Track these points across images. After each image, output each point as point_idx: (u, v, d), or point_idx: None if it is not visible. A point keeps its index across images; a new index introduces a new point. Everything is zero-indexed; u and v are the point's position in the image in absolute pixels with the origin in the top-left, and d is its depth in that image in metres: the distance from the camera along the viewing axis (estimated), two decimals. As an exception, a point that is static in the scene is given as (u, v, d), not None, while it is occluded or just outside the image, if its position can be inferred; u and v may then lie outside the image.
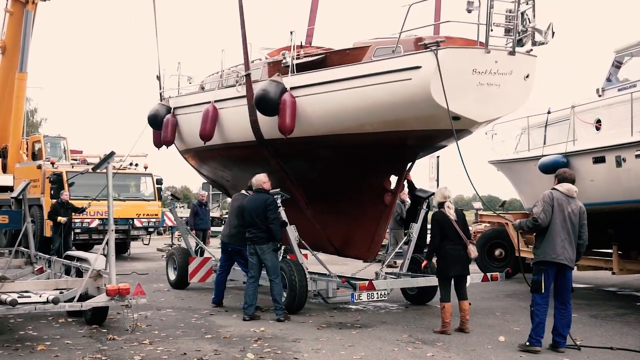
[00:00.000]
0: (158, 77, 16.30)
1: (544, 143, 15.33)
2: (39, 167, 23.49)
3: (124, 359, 8.40)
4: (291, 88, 12.00)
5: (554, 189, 9.44)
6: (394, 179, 12.96)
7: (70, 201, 19.53)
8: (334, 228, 12.55)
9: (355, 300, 11.48)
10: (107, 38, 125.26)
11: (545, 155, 14.69)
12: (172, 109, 15.42)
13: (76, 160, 25.44)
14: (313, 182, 13.04)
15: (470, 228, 11.64)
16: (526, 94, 11.43)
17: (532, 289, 9.40)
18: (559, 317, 9.35)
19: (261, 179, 11.75)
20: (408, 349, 9.18)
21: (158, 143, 15.92)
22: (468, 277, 10.84)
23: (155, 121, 15.54)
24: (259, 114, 12.49)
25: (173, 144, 15.75)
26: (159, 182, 24.81)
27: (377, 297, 11.73)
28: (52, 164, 23.06)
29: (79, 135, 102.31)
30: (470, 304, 10.61)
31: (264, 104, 12.10)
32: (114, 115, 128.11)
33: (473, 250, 10.42)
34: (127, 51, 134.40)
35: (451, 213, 10.44)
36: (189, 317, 11.69)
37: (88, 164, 22.50)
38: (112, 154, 10.28)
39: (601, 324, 11.39)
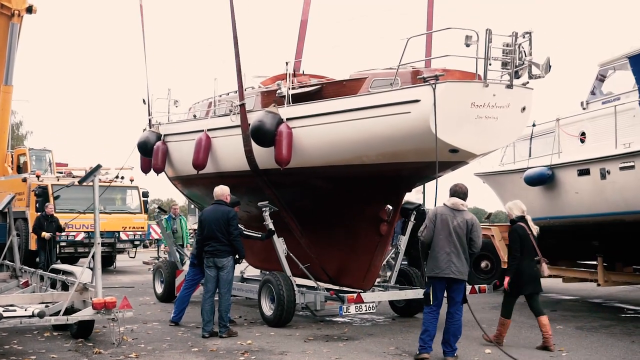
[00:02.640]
0: (144, 101, 16.27)
1: (529, 155, 15.44)
2: (24, 180, 23.39)
3: (110, 373, 8.36)
4: (287, 119, 11.91)
5: (444, 204, 9.65)
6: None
7: (55, 214, 19.30)
8: (329, 257, 12.39)
9: (343, 313, 11.46)
10: (93, 51, 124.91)
11: (530, 168, 14.80)
12: (163, 136, 15.39)
13: (62, 173, 25.34)
14: (308, 212, 12.92)
15: None
16: (522, 126, 11.56)
17: (422, 302, 9.68)
18: (447, 327, 9.54)
19: (226, 191, 11.55)
20: (395, 362, 9.19)
21: (146, 169, 15.90)
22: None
23: (145, 148, 15.50)
24: (253, 143, 12.42)
25: (163, 172, 15.72)
26: (145, 194, 24.76)
27: (366, 310, 11.73)
28: (38, 176, 22.96)
29: (65, 148, 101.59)
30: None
31: (260, 135, 12.00)
32: (99, 128, 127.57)
33: (546, 268, 10.38)
34: (114, 65, 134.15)
35: (533, 227, 10.33)
36: (175, 330, 11.65)
37: (74, 177, 22.42)
38: (98, 167, 10.26)
39: (587, 335, 11.44)
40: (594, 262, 14.93)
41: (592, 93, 14.29)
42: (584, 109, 14.24)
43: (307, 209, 12.87)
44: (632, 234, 12.97)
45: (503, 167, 16.80)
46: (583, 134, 13.76)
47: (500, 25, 10.12)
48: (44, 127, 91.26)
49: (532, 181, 14.56)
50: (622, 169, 12.29)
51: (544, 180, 14.26)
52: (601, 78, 14.31)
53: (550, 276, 16.99)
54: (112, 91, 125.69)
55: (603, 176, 12.71)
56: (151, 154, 15.29)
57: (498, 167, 17.07)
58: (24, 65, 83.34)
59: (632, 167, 12.11)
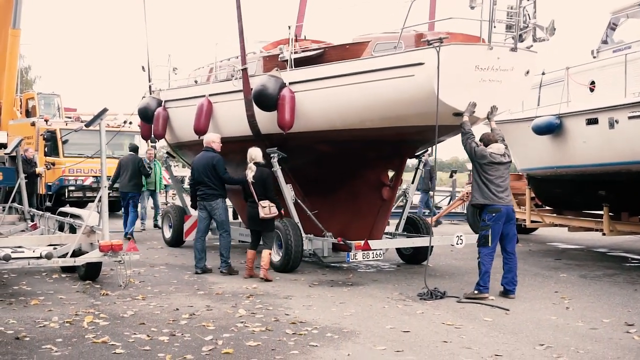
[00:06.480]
0: (144, 69, 16.15)
1: (538, 104, 15.33)
2: (33, 124, 23.42)
3: (117, 314, 8.48)
4: (290, 83, 11.85)
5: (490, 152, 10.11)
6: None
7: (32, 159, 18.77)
8: (331, 222, 12.42)
9: (350, 260, 11.55)
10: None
11: (538, 117, 14.71)
12: (164, 102, 15.33)
13: (70, 117, 25.31)
14: (310, 176, 12.86)
15: (462, 189, 11.48)
16: (526, 90, 11.50)
17: (479, 244, 10.32)
18: (510, 266, 10.38)
19: (211, 138, 12.32)
20: (398, 307, 9.29)
21: (147, 135, 16.05)
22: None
23: (145, 114, 15.47)
24: (255, 108, 12.38)
25: (163, 138, 15.74)
26: (153, 140, 24.67)
27: (373, 257, 11.78)
28: (46, 121, 22.97)
29: (73, 93, 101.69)
30: (270, 253, 11.55)
31: (263, 99, 11.95)
32: (108, 73, 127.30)
33: (261, 210, 11.23)
34: (123, 9, 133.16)
35: (249, 175, 11.38)
36: (182, 274, 11.79)
37: (82, 122, 22.37)
38: (104, 110, 10.26)
39: (590, 283, 11.52)
40: (600, 212, 14.92)
41: (604, 42, 14.11)
42: (594, 57, 14.08)
43: (309, 173, 12.85)
44: (639, 183, 12.95)
45: (511, 115, 16.68)
46: (593, 82, 13.64)
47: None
48: (53, 71, 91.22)
49: (540, 130, 14.48)
50: (630, 118, 12.19)
51: (552, 129, 14.18)
52: (613, 26, 14.12)
53: (555, 225, 17.12)
54: (122, 37, 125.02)
55: (611, 125, 12.62)
56: (152, 120, 15.30)
57: (506, 115, 16.95)
58: (32, 8, 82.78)
59: (641, 116, 12.02)
